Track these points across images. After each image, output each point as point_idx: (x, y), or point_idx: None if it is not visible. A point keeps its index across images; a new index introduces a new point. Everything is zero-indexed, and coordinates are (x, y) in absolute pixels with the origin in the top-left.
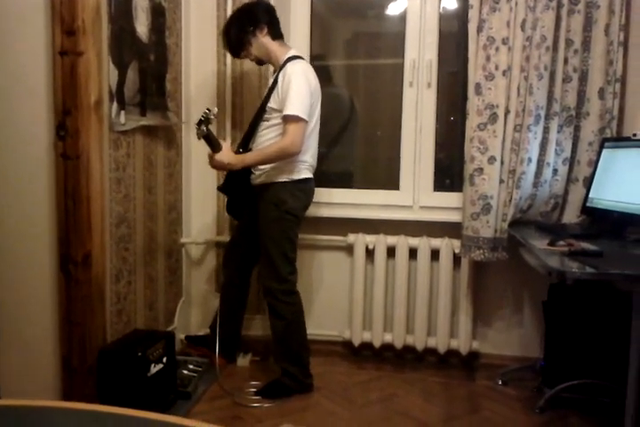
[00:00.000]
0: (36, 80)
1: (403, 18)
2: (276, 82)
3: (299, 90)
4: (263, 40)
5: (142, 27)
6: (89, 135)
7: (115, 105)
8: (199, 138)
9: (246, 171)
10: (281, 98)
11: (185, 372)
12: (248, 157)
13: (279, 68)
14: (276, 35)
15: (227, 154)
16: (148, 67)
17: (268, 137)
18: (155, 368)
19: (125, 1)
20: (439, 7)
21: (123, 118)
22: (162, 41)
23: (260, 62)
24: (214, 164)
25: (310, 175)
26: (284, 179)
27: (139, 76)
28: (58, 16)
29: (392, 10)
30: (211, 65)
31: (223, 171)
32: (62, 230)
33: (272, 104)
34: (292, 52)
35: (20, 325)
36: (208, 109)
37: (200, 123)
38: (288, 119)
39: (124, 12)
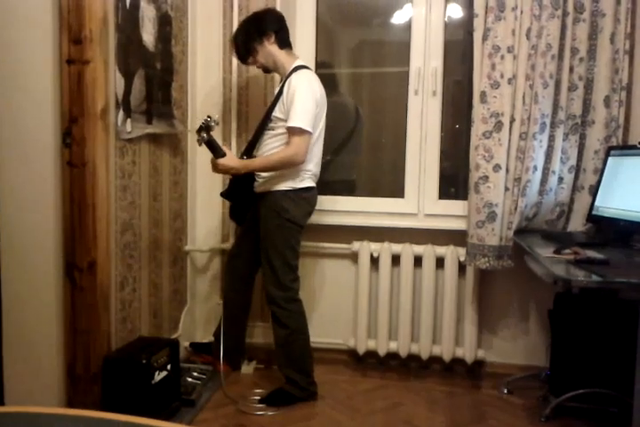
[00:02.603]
0: (42, 88)
1: (408, 26)
2: (281, 91)
3: (304, 101)
4: (270, 48)
5: (149, 35)
6: (95, 143)
7: (121, 113)
8: (200, 144)
9: (249, 178)
10: (286, 108)
11: (189, 379)
12: (253, 163)
13: (285, 77)
14: (284, 44)
15: (231, 159)
16: (155, 75)
17: (273, 146)
18: (159, 376)
19: (132, 10)
20: (444, 16)
21: (129, 126)
22: (168, 49)
23: (266, 70)
24: (219, 167)
25: (313, 184)
26: (286, 187)
27: (145, 85)
28: (65, 25)
29: (397, 18)
30: (216, 73)
31: (226, 174)
32: (68, 238)
33: (277, 113)
34: (298, 62)
35: (25, 331)
36: (209, 117)
37: (200, 129)
38: (292, 131)
39: (131, 21)
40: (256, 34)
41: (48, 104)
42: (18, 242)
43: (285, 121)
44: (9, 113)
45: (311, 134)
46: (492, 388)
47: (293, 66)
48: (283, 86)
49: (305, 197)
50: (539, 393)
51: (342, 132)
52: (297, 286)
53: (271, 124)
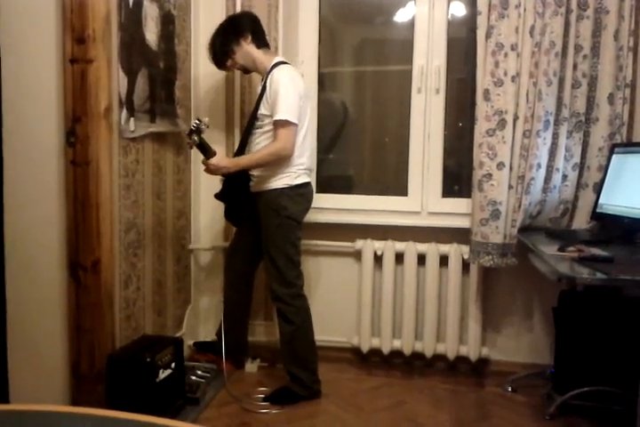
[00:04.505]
0: (46, 87)
1: (411, 24)
2: (264, 88)
3: (286, 94)
4: (248, 48)
5: (152, 34)
6: (98, 142)
7: (124, 112)
8: (190, 148)
9: (244, 177)
10: (270, 103)
11: (193, 378)
12: (242, 161)
13: (266, 74)
14: (261, 43)
15: (221, 158)
16: (158, 74)
17: (263, 144)
18: (163, 374)
19: (135, 9)
20: (447, 14)
21: (132, 125)
22: (171, 48)
23: (245, 71)
24: (211, 167)
25: (308, 179)
26: (282, 185)
27: (148, 84)
28: (68, 24)
29: (400, 17)
30: (219, 72)
31: (217, 175)
32: (72, 236)
33: (263, 111)
34: (278, 59)
35: (30, 330)
36: (198, 120)
37: (191, 133)
38: (278, 124)
39: (134, 20)
40: (233, 35)
41: (51, 103)
42: (22, 241)
43: (272, 117)
44: (12, 112)
45: (297, 126)
46: (497, 386)
47: (273, 63)
48: (265, 83)
49: (302, 194)
50: (543, 391)
51: (331, 128)
52: (301, 281)
53: (258, 123)
